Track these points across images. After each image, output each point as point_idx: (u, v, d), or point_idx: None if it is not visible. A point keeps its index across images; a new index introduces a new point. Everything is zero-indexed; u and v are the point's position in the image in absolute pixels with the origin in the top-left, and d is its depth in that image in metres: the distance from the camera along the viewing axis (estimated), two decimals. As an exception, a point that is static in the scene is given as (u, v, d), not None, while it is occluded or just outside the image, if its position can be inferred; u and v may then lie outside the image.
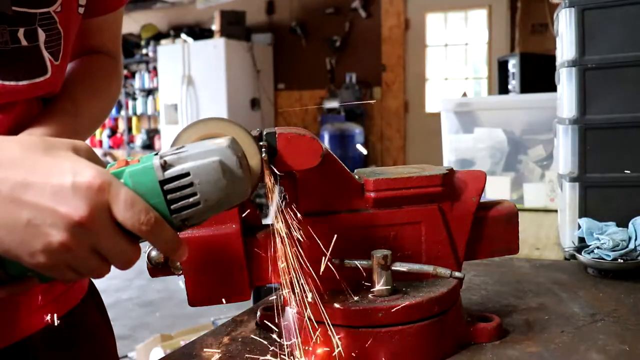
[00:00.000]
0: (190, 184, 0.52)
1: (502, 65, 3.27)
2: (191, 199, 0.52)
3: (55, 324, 0.82)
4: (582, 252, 1.10)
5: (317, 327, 0.70)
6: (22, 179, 0.49)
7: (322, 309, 0.69)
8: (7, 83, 0.72)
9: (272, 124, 7.37)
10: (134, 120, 8.63)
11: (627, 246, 1.08)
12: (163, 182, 0.52)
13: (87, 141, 0.75)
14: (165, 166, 0.52)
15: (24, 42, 0.73)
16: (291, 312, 0.74)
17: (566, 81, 1.30)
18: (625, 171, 1.25)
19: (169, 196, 0.52)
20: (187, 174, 0.52)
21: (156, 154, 0.53)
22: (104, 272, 0.53)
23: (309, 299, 0.71)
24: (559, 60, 1.41)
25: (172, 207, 0.52)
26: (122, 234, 0.51)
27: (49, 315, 0.82)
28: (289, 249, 0.70)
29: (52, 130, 0.75)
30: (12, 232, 0.49)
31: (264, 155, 0.64)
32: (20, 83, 0.73)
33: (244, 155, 0.55)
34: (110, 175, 0.51)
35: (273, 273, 0.72)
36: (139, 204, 0.50)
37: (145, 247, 0.65)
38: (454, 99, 2.65)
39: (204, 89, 7.04)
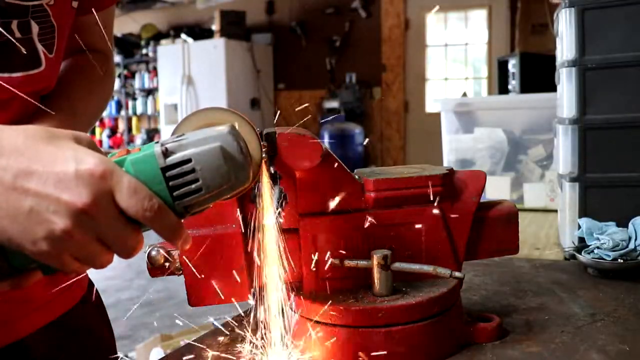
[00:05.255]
0: (192, 170, 0.52)
1: (502, 65, 3.27)
2: (193, 185, 0.52)
3: (55, 323, 0.82)
4: (582, 252, 1.10)
5: (317, 327, 0.70)
6: (25, 167, 0.49)
7: (322, 309, 0.69)
8: (0, 75, 0.72)
9: (272, 124, 7.34)
10: (134, 120, 8.64)
11: (627, 246, 1.08)
12: (165, 169, 0.52)
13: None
14: (166, 153, 0.52)
15: (17, 34, 0.73)
16: (291, 312, 0.74)
17: (566, 81, 1.30)
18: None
19: (171, 183, 0.52)
20: (188, 161, 0.52)
21: (157, 142, 0.53)
22: (106, 261, 0.53)
23: (309, 299, 0.71)
24: (559, 60, 1.41)
25: (174, 193, 0.52)
26: (125, 221, 0.51)
27: (48, 314, 0.82)
28: (288, 249, 0.70)
29: (49, 126, 0.75)
30: (15, 220, 0.49)
31: (264, 155, 0.64)
32: (15, 75, 0.73)
33: (244, 141, 0.55)
34: (112, 163, 0.51)
35: (273, 273, 0.72)
36: (142, 191, 0.50)
37: (146, 247, 0.65)
38: (454, 99, 2.65)
39: (204, 89, 7.05)
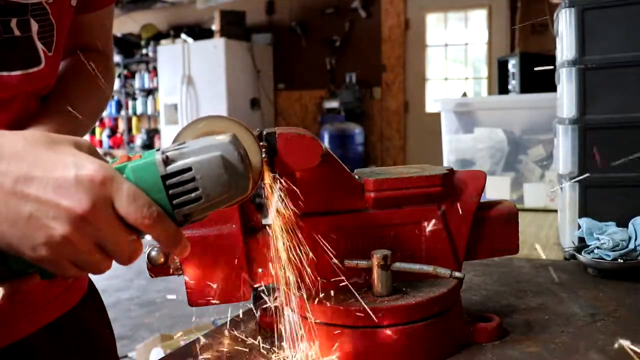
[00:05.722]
0: (192, 179, 0.52)
1: (502, 65, 3.27)
2: (193, 194, 0.52)
3: (55, 323, 0.82)
4: (582, 252, 1.10)
5: (317, 327, 0.70)
6: (25, 172, 0.49)
7: (322, 309, 0.69)
8: (0, 73, 0.72)
9: (272, 124, 7.37)
10: (134, 120, 8.63)
11: (627, 246, 1.08)
12: (165, 177, 0.52)
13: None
14: (167, 161, 0.52)
15: (17, 32, 0.73)
16: (291, 312, 0.74)
17: (566, 81, 1.30)
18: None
19: (171, 191, 0.52)
20: (189, 169, 0.52)
21: (158, 150, 0.53)
22: (105, 267, 0.53)
23: (309, 299, 0.71)
24: (559, 60, 1.41)
25: (174, 202, 0.52)
26: (124, 228, 0.51)
27: (49, 314, 0.82)
28: (288, 249, 0.70)
29: (49, 129, 0.75)
30: (14, 225, 0.49)
31: (264, 155, 0.64)
32: (14, 73, 0.73)
33: (245, 151, 0.55)
34: (112, 169, 0.51)
35: (273, 273, 0.72)
36: (141, 198, 0.51)
37: (146, 247, 0.65)
38: (454, 99, 2.65)
39: (204, 89, 7.04)
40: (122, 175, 0.52)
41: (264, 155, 0.64)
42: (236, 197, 0.55)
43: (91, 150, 0.53)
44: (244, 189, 0.54)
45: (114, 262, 0.54)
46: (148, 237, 0.54)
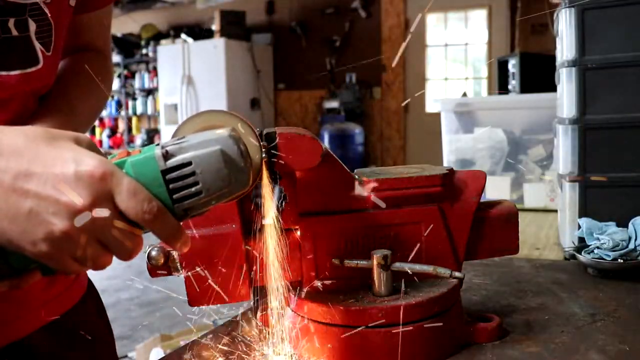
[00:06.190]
0: (192, 173, 0.52)
1: (502, 65, 3.27)
2: (193, 189, 0.52)
3: (54, 323, 0.82)
4: (582, 252, 1.10)
5: (317, 327, 0.70)
6: (25, 168, 0.49)
7: (322, 309, 0.69)
8: None
9: (272, 124, 7.37)
10: (134, 120, 8.64)
11: (627, 246, 1.08)
12: (165, 172, 0.52)
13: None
14: (166, 156, 0.52)
15: (15, 32, 0.73)
16: (290, 312, 0.74)
17: (566, 81, 1.30)
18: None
19: (171, 186, 0.52)
20: (188, 163, 0.52)
21: (157, 145, 0.53)
22: (106, 263, 0.53)
23: (309, 299, 0.71)
24: (559, 60, 1.41)
25: (174, 196, 0.52)
26: (124, 223, 0.51)
27: (48, 314, 0.82)
28: (288, 249, 0.70)
29: (48, 127, 0.75)
30: (14, 221, 0.49)
31: (264, 155, 0.64)
32: (12, 73, 0.73)
33: (244, 144, 0.55)
34: (112, 164, 0.51)
35: (273, 273, 0.72)
36: (141, 193, 0.51)
37: (146, 246, 0.65)
38: (454, 99, 2.65)
39: (204, 89, 7.05)
40: (122, 170, 0.52)
41: (264, 155, 0.64)
42: (236, 191, 0.55)
43: (91, 146, 0.53)
44: (243, 183, 0.54)
45: (114, 262, 0.54)
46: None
